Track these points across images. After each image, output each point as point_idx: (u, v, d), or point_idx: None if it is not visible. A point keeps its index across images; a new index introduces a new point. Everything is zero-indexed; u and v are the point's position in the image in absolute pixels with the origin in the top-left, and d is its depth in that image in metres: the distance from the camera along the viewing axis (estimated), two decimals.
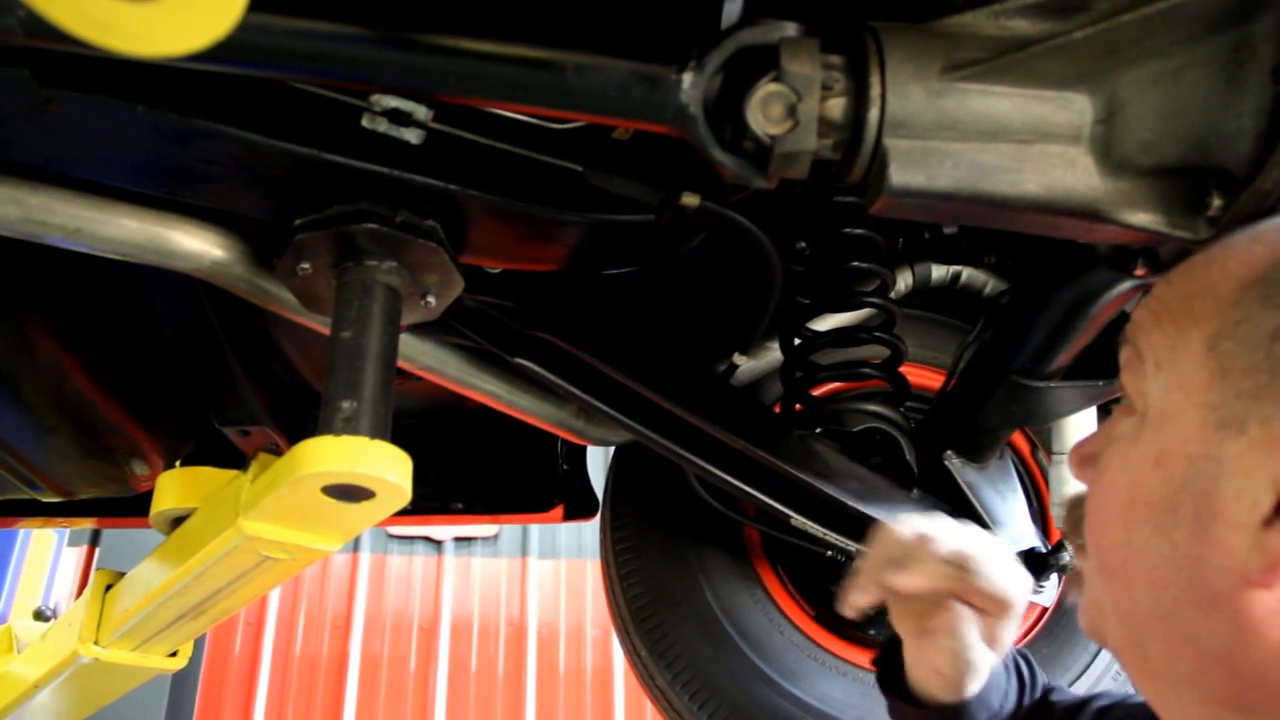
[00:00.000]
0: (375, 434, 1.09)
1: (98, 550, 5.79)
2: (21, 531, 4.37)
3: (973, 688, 1.14)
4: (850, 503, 1.58)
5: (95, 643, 1.79)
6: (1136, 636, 0.74)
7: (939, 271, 1.93)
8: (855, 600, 1.10)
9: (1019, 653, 1.24)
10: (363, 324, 1.15)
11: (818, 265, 1.65)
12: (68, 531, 5.10)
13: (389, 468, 1.07)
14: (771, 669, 1.84)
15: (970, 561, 1.04)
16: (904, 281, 1.89)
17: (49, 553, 4.64)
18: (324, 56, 0.98)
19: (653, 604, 1.91)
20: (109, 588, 1.84)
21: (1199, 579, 0.68)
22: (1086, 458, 0.82)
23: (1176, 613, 0.70)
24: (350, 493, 1.11)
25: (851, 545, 1.68)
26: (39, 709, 2.30)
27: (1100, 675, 1.96)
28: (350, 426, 1.08)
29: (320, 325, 1.38)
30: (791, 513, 1.63)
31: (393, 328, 1.18)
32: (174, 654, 1.90)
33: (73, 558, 5.68)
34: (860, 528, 1.64)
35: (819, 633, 1.92)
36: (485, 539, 6.72)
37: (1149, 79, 0.84)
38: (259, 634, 6.20)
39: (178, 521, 1.52)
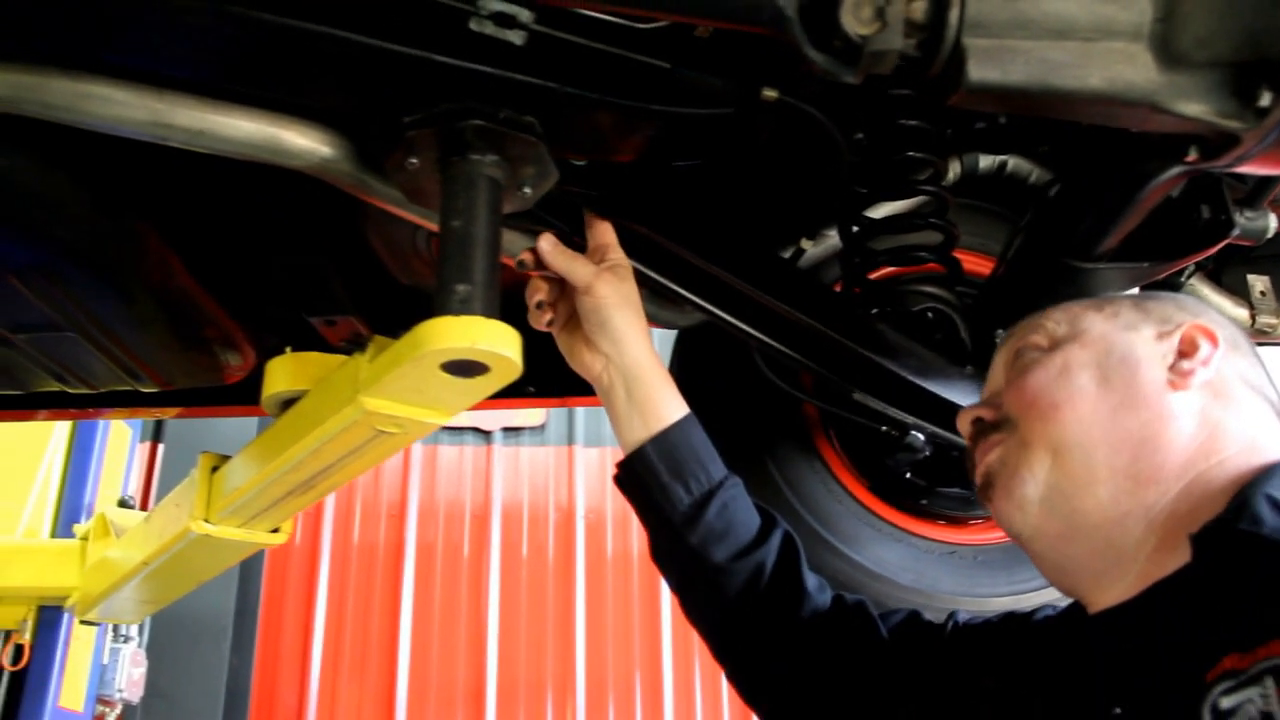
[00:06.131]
0: (488, 314, 1.19)
1: (161, 445, 6.00)
2: (101, 425, 4.55)
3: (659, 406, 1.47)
4: (909, 377, 1.68)
5: (205, 520, 1.94)
6: (1085, 450, 1.14)
7: (986, 161, 2.00)
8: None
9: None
10: (470, 214, 1.25)
11: (875, 156, 1.73)
12: (142, 425, 5.27)
13: (505, 344, 1.17)
14: (831, 534, 1.96)
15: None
16: (952, 170, 1.97)
17: (126, 445, 4.82)
18: None
19: None
20: (215, 469, 1.98)
21: (1131, 393, 1.15)
22: (1005, 387, 1.28)
23: (1116, 418, 1.14)
24: (467, 368, 1.21)
25: (908, 418, 1.78)
26: (144, 587, 2.47)
27: None
28: (466, 307, 1.18)
29: (420, 217, 1.48)
30: (854, 388, 1.74)
31: (496, 216, 1.28)
32: (276, 530, 2.04)
33: (139, 452, 5.88)
34: (917, 402, 1.75)
35: (874, 502, 2.02)
36: (532, 429, 6.86)
37: None
38: (318, 525, 6.40)
39: (288, 404, 1.64)
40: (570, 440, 6.91)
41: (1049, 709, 1.15)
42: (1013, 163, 2.00)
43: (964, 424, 1.31)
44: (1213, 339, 1.18)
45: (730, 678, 1.49)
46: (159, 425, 5.92)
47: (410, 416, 1.36)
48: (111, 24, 1.16)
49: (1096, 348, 1.20)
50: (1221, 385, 1.16)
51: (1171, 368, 1.16)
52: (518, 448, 6.87)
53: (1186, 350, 1.18)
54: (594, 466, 6.85)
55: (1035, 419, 1.18)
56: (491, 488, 6.71)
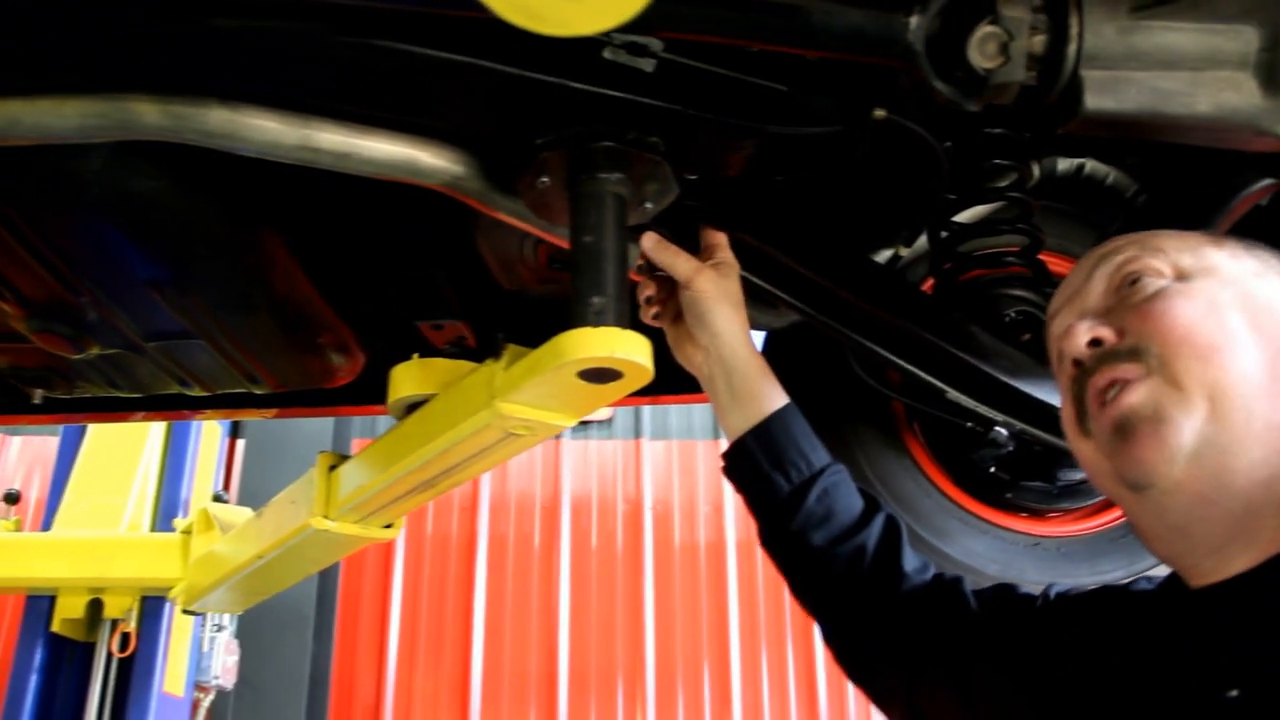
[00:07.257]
0: (621, 323, 1.28)
1: (241, 441, 6.17)
2: (195, 424, 4.71)
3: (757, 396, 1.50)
4: (1003, 378, 1.74)
5: (325, 516, 2.04)
6: (1246, 401, 1.02)
7: (1064, 163, 2.06)
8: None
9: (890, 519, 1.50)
10: (600, 230, 1.33)
11: (963, 162, 1.80)
12: (230, 423, 5.44)
13: (639, 352, 1.27)
14: (921, 528, 2.02)
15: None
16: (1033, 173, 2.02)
17: (216, 443, 4.99)
18: None
19: None
20: (333, 468, 2.08)
21: None
22: (1122, 309, 1.13)
23: (1275, 370, 1.03)
24: (602, 375, 1.30)
25: (997, 415, 1.84)
26: (251, 579, 2.58)
27: None
28: (601, 318, 1.27)
29: (542, 230, 1.57)
30: (947, 387, 1.80)
31: (624, 231, 1.36)
32: (389, 526, 2.14)
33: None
34: (1008, 401, 1.81)
35: (962, 496, 2.08)
36: (600, 422, 7.01)
37: None
38: None
39: (412, 407, 1.73)
40: (637, 434, 7.03)
41: (1142, 684, 1.09)
42: (1090, 165, 2.05)
43: (1077, 341, 1.13)
44: None
45: (838, 661, 1.51)
46: (238, 422, 6.09)
47: (542, 420, 1.46)
48: (285, 62, 1.26)
49: (1237, 289, 1.08)
50: None
51: None
52: (586, 441, 7.01)
53: None
54: (660, 459, 6.98)
55: (1189, 358, 1.04)
56: (561, 481, 6.86)
